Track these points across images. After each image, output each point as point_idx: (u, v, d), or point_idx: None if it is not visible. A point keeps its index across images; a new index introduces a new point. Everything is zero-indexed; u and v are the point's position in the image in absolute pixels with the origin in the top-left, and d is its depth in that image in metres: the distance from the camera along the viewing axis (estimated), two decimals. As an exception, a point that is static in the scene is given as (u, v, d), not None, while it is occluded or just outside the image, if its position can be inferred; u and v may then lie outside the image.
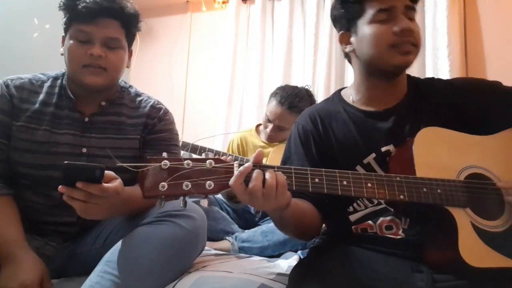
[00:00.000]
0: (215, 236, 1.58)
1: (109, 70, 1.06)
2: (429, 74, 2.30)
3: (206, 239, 1.05)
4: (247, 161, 0.76)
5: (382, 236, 0.91)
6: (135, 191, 0.96)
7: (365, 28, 0.92)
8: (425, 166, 0.83)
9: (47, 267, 0.98)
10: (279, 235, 1.52)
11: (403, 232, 0.89)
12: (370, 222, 0.93)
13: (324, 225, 1.02)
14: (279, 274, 1.06)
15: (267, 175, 0.72)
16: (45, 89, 1.12)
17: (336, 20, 1.02)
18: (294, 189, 0.75)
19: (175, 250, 0.92)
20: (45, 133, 1.06)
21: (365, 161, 0.94)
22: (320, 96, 2.46)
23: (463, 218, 0.80)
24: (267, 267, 1.13)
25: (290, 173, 0.75)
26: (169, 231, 0.91)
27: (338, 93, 1.08)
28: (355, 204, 0.95)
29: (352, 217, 0.95)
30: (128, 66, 1.15)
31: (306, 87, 2.03)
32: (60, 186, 0.78)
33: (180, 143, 1.40)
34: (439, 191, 0.80)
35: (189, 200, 1.58)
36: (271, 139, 1.94)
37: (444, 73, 2.25)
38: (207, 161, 0.70)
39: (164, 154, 0.70)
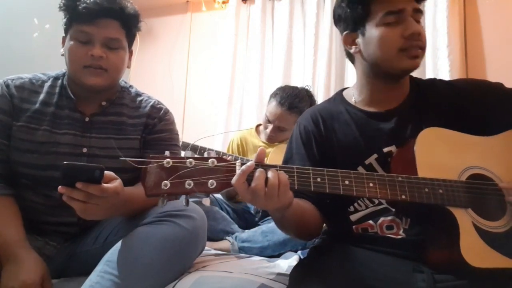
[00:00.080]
0: (215, 236, 1.58)
1: (109, 71, 1.06)
2: (429, 74, 2.30)
3: (206, 239, 1.05)
4: (247, 161, 0.76)
5: (382, 236, 0.91)
6: (135, 192, 0.96)
7: (372, 31, 0.92)
8: (427, 167, 0.83)
9: (48, 267, 0.98)
10: (279, 235, 1.53)
11: (404, 232, 0.89)
12: (371, 222, 0.93)
13: (324, 225, 1.02)
14: (279, 274, 1.06)
15: (270, 174, 0.72)
16: (45, 89, 1.12)
17: (340, 20, 1.00)
18: (296, 188, 0.75)
19: (175, 250, 0.92)
20: (45, 133, 1.06)
21: (366, 161, 0.94)
22: (320, 96, 2.46)
23: (464, 218, 0.80)
24: (267, 267, 1.13)
25: (292, 173, 0.75)
26: (169, 231, 0.91)
27: (340, 93, 1.08)
28: (356, 204, 0.95)
29: (353, 217, 0.95)
30: (128, 66, 1.15)
31: (306, 87, 2.03)
32: (59, 186, 0.78)
33: (180, 143, 1.40)
34: (440, 191, 0.80)
35: (190, 200, 1.58)
36: (271, 140, 1.94)
37: (444, 73, 2.25)
38: (210, 160, 0.71)
39: (167, 153, 0.70)
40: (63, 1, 1.04)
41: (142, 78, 3.03)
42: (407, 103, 0.97)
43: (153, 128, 1.16)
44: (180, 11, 3.22)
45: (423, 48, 0.91)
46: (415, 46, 0.89)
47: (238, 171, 0.70)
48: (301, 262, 1.04)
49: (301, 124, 1.04)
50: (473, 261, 0.75)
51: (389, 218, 0.91)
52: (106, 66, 1.05)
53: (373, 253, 0.89)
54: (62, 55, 1.09)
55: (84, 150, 1.08)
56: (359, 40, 0.96)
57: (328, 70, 2.55)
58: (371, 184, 0.78)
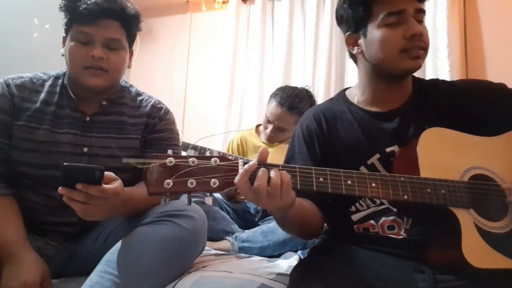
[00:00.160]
0: (215, 236, 1.58)
1: (110, 72, 1.06)
2: (429, 74, 2.30)
3: (206, 239, 1.05)
4: (248, 161, 0.76)
5: (384, 236, 0.91)
6: (135, 192, 0.97)
7: (374, 31, 0.92)
8: (429, 167, 0.83)
9: (48, 267, 0.98)
10: (279, 235, 1.53)
11: (405, 232, 0.89)
12: (372, 221, 0.93)
13: (325, 224, 1.02)
14: (279, 274, 1.06)
15: (272, 173, 0.72)
16: (46, 88, 1.12)
17: (342, 20, 1.00)
18: (298, 188, 0.75)
19: (175, 250, 0.92)
20: (46, 133, 1.06)
21: (369, 161, 0.94)
22: (320, 96, 2.46)
23: (466, 219, 0.80)
24: (267, 267, 1.13)
25: (294, 172, 0.75)
26: (169, 231, 0.91)
27: (342, 93, 1.08)
28: (357, 204, 0.95)
29: (354, 217, 0.95)
30: (129, 67, 1.15)
31: (306, 87, 2.03)
32: (60, 187, 0.78)
33: (180, 143, 1.40)
34: (443, 191, 0.80)
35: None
36: (271, 140, 1.94)
37: (444, 73, 2.25)
38: (212, 159, 0.71)
39: (169, 152, 0.70)
40: (63, 1, 1.04)
41: (142, 78, 3.03)
42: (409, 103, 0.97)
43: (154, 127, 1.16)
44: (180, 11, 3.22)
45: (425, 49, 0.91)
46: (416, 46, 0.89)
47: (240, 170, 0.71)
48: (301, 262, 1.04)
49: (303, 123, 1.03)
50: (475, 262, 0.75)
51: (391, 218, 0.91)
52: (106, 67, 1.05)
53: (374, 253, 0.89)
54: (63, 55, 1.09)
55: (85, 149, 1.08)
56: (361, 41, 0.96)
57: (328, 70, 2.55)
58: (373, 184, 0.78)
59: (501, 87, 0.98)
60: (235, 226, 1.70)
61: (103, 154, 1.09)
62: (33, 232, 1.05)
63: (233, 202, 1.94)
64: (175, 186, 0.68)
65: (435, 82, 1.04)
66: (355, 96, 1.02)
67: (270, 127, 1.89)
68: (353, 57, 1.03)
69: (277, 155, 1.80)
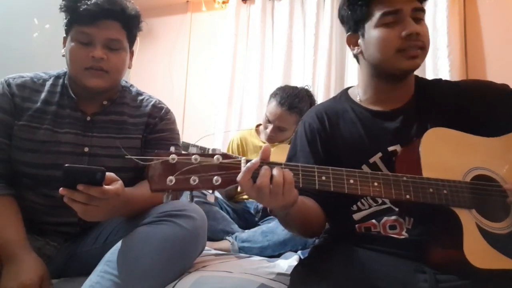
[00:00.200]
0: (215, 236, 1.58)
1: (110, 72, 1.06)
2: (429, 74, 2.30)
3: (206, 239, 1.05)
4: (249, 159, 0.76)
5: (385, 235, 0.91)
6: (136, 192, 0.97)
7: (371, 32, 0.92)
8: (431, 167, 0.83)
9: (48, 267, 0.98)
10: (279, 235, 1.53)
11: (407, 232, 0.89)
12: (374, 221, 0.93)
13: (326, 223, 1.02)
14: (279, 274, 1.06)
15: (275, 171, 0.72)
16: (47, 87, 1.12)
17: (343, 21, 1.02)
18: (301, 186, 0.75)
19: (175, 250, 0.92)
20: (47, 132, 1.06)
21: (371, 160, 0.94)
22: (320, 96, 2.46)
23: (468, 219, 0.80)
24: (267, 267, 1.13)
25: (297, 171, 0.75)
26: (169, 231, 0.91)
27: (345, 91, 1.08)
28: (359, 203, 0.95)
29: (356, 216, 0.95)
30: (129, 67, 1.15)
31: (306, 87, 2.03)
32: (61, 188, 0.78)
33: (180, 143, 1.40)
34: (445, 191, 0.80)
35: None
36: (271, 140, 1.94)
37: (444, 73, 2.25)
38: (215, 157, 0.71)
39: (172, 149, 0.70)
40: (63, 2, 1.04)
41: (142, 78, 3.02)
42: (412, 102, 0.97)
43: (154, 127, 1.16)
44: (180, 11, 3.22)
45: (423, 48, 0.91)
46: (413, 46, 0.89)
47: (243, 168, 0.71)
48: (302, 261, 1.04)
49: (306, 122, 1.04)
50: (476, 262, 0.75)
51: (393, 218, 0.91)
52: (107, 68, 1.05)
53: (375, 253, 0.89)
54: (63, 55, 1.09)
55: (86, 149, 1.08)
56: (361, 41, 0.97)
57: (328, 70, 2.55)
58: (375, 184, 0.78)
59: (504, 87, 0.98)
60: (235, 226, 1.70)
61: (104, 154, 1.09)
62: (33, 232, 1.05)
63: (233, 202, 1.94)
64: (178, 183, 0.68)
65: (438, 82, 1.04)
66: (357, 95, 1.03)
67: (270, 126, 1.89)
68: (355, 57, 1.03)
69: (277, 154, 1.80)
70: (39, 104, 1.08)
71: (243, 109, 2.80)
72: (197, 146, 0.73)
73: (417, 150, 0.84)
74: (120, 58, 1.08)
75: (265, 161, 0.74)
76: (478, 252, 0.77)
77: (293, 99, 1.83)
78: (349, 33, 1.00)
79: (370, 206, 0.94)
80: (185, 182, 0.69)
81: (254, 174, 0.71)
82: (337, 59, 2.60)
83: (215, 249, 1.45)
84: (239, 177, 0.71)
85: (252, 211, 1.89)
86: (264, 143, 1.96)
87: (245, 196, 1.95)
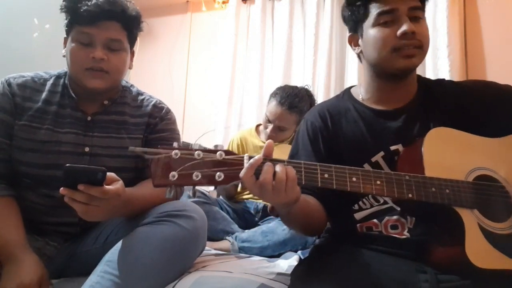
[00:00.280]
0: (215, 236, 1.58)
1: (111, 73, 1.06)
2: (429, 74, 2.31)
3: (206, 239, 1.05)
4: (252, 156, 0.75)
5: (386, 235, 0.91)
6: (136, 192, 0.97)
7: (369, 31, 0.93)
8: (434, 166, 0.83)
9: (48, 267, 0.98)
10: (279, 235, 1.53)
11: (408, 232, 0.89)
12: (375, 220, 0.93)
13: (327, 222, 1.02)
14: (279, 274, 1.06)
15: (278, 168, 0.72)
16: (47, 87, 1.11)
17: (345, 21, 1.03)
18: (303, 183, 0.75)
19: (175, 250, 0.91)
20: (48, 132, 1.06)
21: (373, 159, 0.94)
22: (320, 96, 2.46)
23: (470, 219, 0.80)
24: (267, 267, 1.13)
25: (299, 168, 0.75)
26: (169, 231, 0.91)
27: (348, 90, 1.08)
28: (360, 202, 0.95)
29: (357, 215, 0.95)
30: (130, 67, 1.15)
31: (306, 87, 2.03)
32: (61, 188, 0.78)
33: (180, 143, 1.40)
34: (447, 191, 0.80)
35: (189, 200, 1.58)
36: (271, 139, 1.94)
37: (444, 73, 2.25)
38: (218, 153, 0.71)
39: (175, 144, 0.70)
40: (64, 2, 1.04)
41: (142, 78, 3.02)
42: (414, 102, 0.97)
43: (155, 127, 1.16)
44: (180, 11, 3.22)
45: (419, 47, 0.90)
46: (409, 45, 0.89)
47: (246, 165, 0.71)
48: (303, 261, 1.04)
49: (308, 120, 1.04)
50: (478, 262, 0.75)
51: (394, 217, 0.91)
52: (107, 68, 1.05)
53: (376, 253, 0.89)
54: (64, 56, 1.09)
55: (86, 149, 1.08)
56: (360, 41, 0.97)
57: (328, 70, 2.55)
58: (378, 182, 0.78)
59: (507, 88, 0.98)
60: (235, 226, 1.70)
61: (105, 153, 1.09)
62: (33, 232, 1.05)
63: (233, 202, 1.94)
64: (180, 179, 0.68)
65: (441, 81, 1.05)
66: (360, 94, 1.03)
67: (270, 126, 1.89)
68: (358, 56, 1.04)
69: (277, 154, 1.79)
70: (40, 103, 1.08)
71: (243, 109, 2.80)
72: (198, 145, 0.73)
73: (420, 150, 0.84)
74: (120, 58, 1.08)
75: (268, 157, 0.74)
76: (480, 252, 0.77)
77: (293, 99, 1.83)
78: (350, 33, 1.01)
79: (371, 206, 0.94)
80: (188, 178, 0.69)
81: (257, 170, 0.71)
82: (337, 59, 2.60)
83: (215, 249, 1.45)
84: (241, 173, 0.70)
85: (252, 211, 1.89)
86: (264, 143, 1.96)
87: (245, 196, 1.95)
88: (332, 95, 2.47)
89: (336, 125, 1.00)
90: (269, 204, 1.84)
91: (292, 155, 1.02)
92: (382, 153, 0.94)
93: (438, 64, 2.30)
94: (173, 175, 0.68)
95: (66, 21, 1.06)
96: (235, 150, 2.05)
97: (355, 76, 2.44)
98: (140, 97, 1.20)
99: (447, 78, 2.17)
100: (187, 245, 0.94)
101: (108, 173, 0.82)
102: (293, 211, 0.83)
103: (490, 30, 2.31)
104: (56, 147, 1.06)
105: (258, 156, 0.72)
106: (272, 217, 1.79)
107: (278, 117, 1.84)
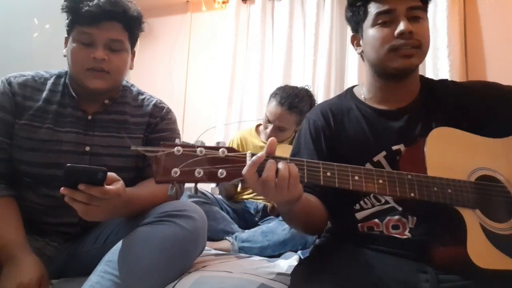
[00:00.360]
0: (215, 236, 1.58)
1: (112, 73, 1.06)
2: (429, 74, 2.30)
3: (206, 239, 1.05)
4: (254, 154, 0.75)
5: (388, 235, 0.91)
6: (136, 192, 0.97)
7: (368, 31, 0.94)
8: (436, 166, 0.83)
9: (48, 267, 0.98)
10: (279, 235, 1.53)
11: (410, 232, 0.89)
12: (376, 220, 0.93)
13: (328, 222, 1.02)
14: (279, 274, 1.06)
15: (280, 165, 0.72)
16: (48, 86, 1.11)
17: (347, 21, 1.03)
18: (305, 181, 0.75)
19: (175, 250, 0.92)
20: (48, 131, 1.06)
21: (375, 159, 0.94)
22: (320, 96, 2.46)
23: (472, 219, 0.80)
24: (267, 267, 1.13)
25: (302, 165, 0.75)
26: (169, 231, 0.91)
27: (350, 90, 1.08)
28: (361, 202, 0.95)
29: (359, 215, 0.95)
30: (131, 68, 1.16)
31: (306, 87, 2.03)
32: (62, 188, 0.78)
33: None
34: (449, 191, 0.80)
35: (189, 200, 1.58)
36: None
37: (444, 73, 2.25)
38: (220, 150, 0.71)
39: (177, 141, 0.70)
40: (65, 2, 1.04)
41: (142, 78, 3.02)
42: (417, 102, 0.98)
43: (155, 127, 1.16)
44: (180, 11, 3.22)
45: (418, 47, 0.90)
46: (406, 45, 0.89)
47: (248, 162, 0.71)
48: (303, 261, 1.04)
49: (310, 119, 1.04)
50: (479, 262, 0.75)
51: (396, 217, 0.91)
52: (108, 69, 1.05)
53: (377, 253, 0.89)
54: (65, 56, 1.09)
55: (87, 148, 1.08)
56: (361, 41, 0.98)
57: (328, 70, 2.55)
58: (380, 181, 0.78)
59: (510, 89, 0.98)
60: (235, 226, 1.70)
61: (105, 153, 1.09)
62: (33, 233, 1.05)
63: (233, 202, 1.94)
64: (182, 175, 0.68)
65: (444, 82, 1.05)
66: (362, 93, 1.03)
67: (270, 126, 1.89)
68: (361, 56, 1.04)
69: (277, 154, 1.80)
70: (40, 103, 1.08)
71: (243, 109, 2.80)
72: (201, 142, 0.73)
73: (422, 150, 0.84)
74: (121, 59, 1.08)
75: (270, 155, 0.73)
76: (481, 252, 0.77)
77: (293, 99, 1.83)
78: (352, 34, 1.02)
79: (373, 205, 0.94)
80: (190, 174, 0.68)
81: (260, 168, 0.71)
82: (337, 59, 2.60)
83: (215, 249, 1.45)
84: (244, 170, 0.70)
85: (252, 211, 1.89)
86: (264, 143, 1.96)
87: (245, 196, 1.95)
88: (332, 95, 2.47)
89: (338, 124, 1.00)
90: (269, 204, 1.85)
91: (294, 154, 1.02)
92: (384, 153, 0.94)
93: (438, 64, 2.30)
94: (175, 171, 0.68)
95: (67, 21, 1.06)
96: (235, 150, 2.04)
97: (355, 76, 2.44)
98: (141, 97, 1.20)
99: (447, 78, 2.17)
100: (187, 245, 0.94)
101: (108, 173, 0.82)
102: (294, 209, 0.83)
103: (490, 30, 2.31)
104: (56, 146, 1.06)
105: (261, 153, 0.72)
106: (272, 217, 1.79)
107: (278, 118, 1.84)
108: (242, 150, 2.10)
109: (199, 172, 0.69)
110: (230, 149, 0.72)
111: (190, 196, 1.64)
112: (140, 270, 0.87)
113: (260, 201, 1.91)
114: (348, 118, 1.00)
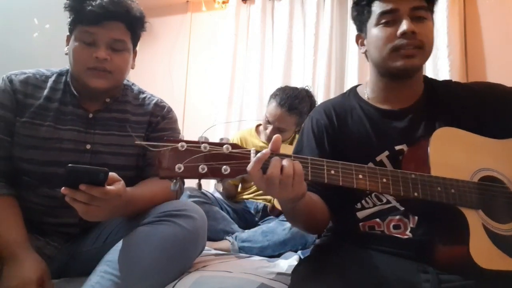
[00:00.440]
0: (215, 236, 1.59)
1: (114, 73, 1.06)
2: (429, 74, 2.29)
3: (206, 239, 1.05)
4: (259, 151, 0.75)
5: (389, 235, 0.91)
6: (137, 192, 0.97)
7: (372, 31, 0.94)
8: (440, 166, 0.83)
9: (48, 267, 0.98)
10: (279, 235, 1.53)
11: (411, 232, 0.89)
12: (378, 220, 0.93)
13: (329, 221, 1.02)
14: (279, 274, 1.06)
15: (285, 162, 0.72)
16: (49, 84, 1.11)
17: (353, 20, 1.04)
18: (309, 179, 0.75)
19: (175, 250, 0.92)
20: (49, 129, 1.06)
21: (377, 158, 0.94)
22: (320, 96, 2.46)
23: (475, 219, 0.80)
24: (267, 267, 1.13)
25: (306, 163, 0.75)
26: (169, 231, 0.91)
27: (354, 89, 1.08)
28: (363, 201, 0.95)
29: (360, 214, 0.95)
30: (132, 67, 1.16)
31: (306, 87, 2.03)
32: (63, 188, 0.78)
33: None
34: (453, 191, 0.80)
35: (189, 200, 1.58)
36: (271, 140, 1.94)
37: (444, 73, 2.25)
38: (224, 146, 0.70)
39: (181, 136, 0.70)
40: (68, 1, 1.04)
41: (142, 78, 2.99)
42: (420, 102, 0.98)
43: (156, 126, 1.16)
44: (180, 11, 3.22)
45: (420, 47, 0.90)
46: (408, 45, 0.89)
47: (253, 158, 0.70)
48: (304, 260, 1.04)
49: (313, 117, 1.04)
50: (482, 262, 0.75)
51: (397, 217, 0.91)
52: (110, 68, 1.05)
53: (378, 252, 0.89)
54: (66, 54, 1.09)
55: (88, 146, 1.08)
56: (365, 40, 0.98)
57: (328, 70, 2.55)
58: (384, 180, 0.78)
59: None
60: (235, 226, 1.70)
61: (106, 151, 1.09)
62: (34, 232, 1.05)
63: (233, 202, 1.94)
64: (186, 171, 0.68)
65: (448, 82, 1.05)
66: (365, 93, 1.03)
67: (270, 127, 1.89)
68: (365, 55, 1.04)
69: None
70: (41, 100, 1.08)
71: (243, 109, 2.80)
72: (204, 137, 0.73)
73: (426, 149, 0.84)
74: (123, 59, 1.08)
75: (274, 152, 0.73)
76: (483, 252, 0.77)
77: (293, 100, 1.83)
78: (357, 33, 1.02)
79: (374, 205, 0.94)
80: (194, 170, 0.68)
81: (264, 165, 0.71)
82: (337, 59, 2.60)
83: (215, 249, 1.45)
84: (249, 167, 0.70)
85: (252, 211, 1.89)
86: (264, 143, 1.96)
87: (245, 196, 1.95)
88: (332, 95, 2.47)
89: (341, 123, 1.00)
90: (269, 204, 1.85)
91: (297, 152, 1.02)
92: (386, 153, 0.94)
93: (438, 64, 2.30)
94: (179, 167, 0.67)
95: (69, 20, 1.06)
96: (235, 150, 2.04)
97: (355, 76, 2.44)
98: (142, 96, 1.20)
99: (447, 78, 2.17)
100: (187, 245, 0.94)
101: (109, 173, 0.82)
102: (298, 207, 0.83)
103: (490, 30, 2.31)
104: (57, 144, 1.06)
105: (266, 150, 0.72)
106: (272, 217, 1.79)
107: (278, 119, 1.84)
108: (242, 150, 2.11)
109: (203, 168, 0.68)
110: (234, 146, 0.71)
111: (190, 196, 1.64)
112: (140, 270, 0.87)
113: (260, 201, 1.91)
114: (351, 117, 1.00)
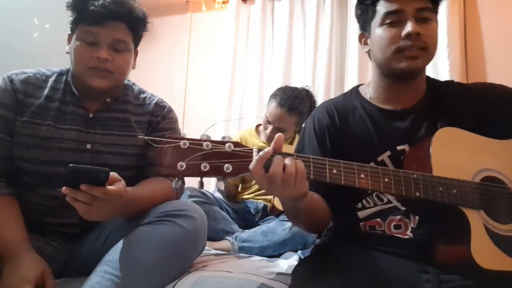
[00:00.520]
0: (215, 236, 1.59)
1: (115, 73, 1.06)
2: (429, 74, 2.24)
3: (206, 239, 1.05)
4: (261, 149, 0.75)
5: (389, 235, 0.91)
6: (137, 192, 0.97)
7: (376, 31, 0.94)
8: (441, 166, 0.83)
9: (49, 266, 0.98)
10: (279, 235, 1.53)
11: (411, 232, 0.89)
12: (379, 220, 0.93)
13: (330, 221, 1.02)
14: (279, 274, 1.06)
15: (287, 161, 0.71)
16: (49, 83, 1.11)
17: (356, 19, 1.04)
18: (311, 178, 0.74)
19: (175, 250, 0.92)
20: (50, 129, 1.06)
21: (379, 158, 0.94)
22: (320, 96, 2.46)
23: (476, 219, 0.80)
24: (267, 267, 1.13)
25: (308, 162, 0.75)
26: (169, 231, 0.91)
27: (356, 88, 1.08)
28: (364, 201, 0.95)
29: (361, 214, 0.95)
30: (133, 67, 1.16)
31: (306, 87, 2.03)
32: (63, 187, 0.78)
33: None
34: (454, 191, 0.80)
35: (189, 200, 1.58)
36: (271, 140, 1.91)
37: (444, 73, 2.25)
38: (226, 144, 0.70)
39: (184, 134, 0.70)
40: (70, 0, 1.04)
41: (142, 78, 2.99)
42: (422, 102, 0.98)
43: (157, 126, 1.16)
44: (180, 11, 3.22)
45: (424, 49, 0.90)
46: (412, 46, 0.89)
47: (255, 157, 0.70)
48: (304, 260, 1.04)
49: (315, 117, 1.04)
50: (483, 262, 0.75)
51: (398, 217, 0.91)
52: (111, 68, 1.05)
53: (378, 252, 0.89)
54: (67, 53, 1.09)
55: (88, 146, 1.08)
56: (368, 40, 0.98)
57: (328, 70, 2.55)
58: (386, 179, 0.78)
59: None
60: (235, 226, 1.70)
61: (107, 151, 1.09)
62: (34, 232, 1.05)
63: (233, 202, 1.94)
64: (188, 169, 0.68)
65: (450, 83, 1.05)
66: (368, 93, 1.03)
67: (270, 127, 1.89)
68: (368, 55, 1.04)
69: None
70: (41, 100, 1.08)
71: (243, 109, 2.80)
72: (206, 135, 0.73)
73: (427, 149, 0.84)
74: (125, 59, 1.08)
75: (277, 150, 0.73)
76: (485, 252, 0.77)
77: (293, 100, 1.83)
78: (360, 32, 1.02)
79: (375, 205, 0.94)
80: (196, 168, 0.68)
81: (266, 163, 0.71)
82: (337, 59, 2.60)
83: (215, 249, 1.45)
84: (251, 166, 0.70)
85: (252, 211, 1.89)
86: (264, 143, 1.96)
87: (245, 196, 1.95)
88: (332, 95, 2.47)
89: (343, 123, 1.00)
90: (269, 204, 1.85)
91: (298, 151, 1.02)
92: (388, 153, 0.94)
93: (438, 64, 2.30)
94: (181, 165, 0.67)
95: (71, 19, 1.06)
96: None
97: (355, 76, 2.44)
98: (142, 96, 1.20)
99: (447, 78, 2.17)
100: (187, 245, 0.94)
101: (110, 173, 0.82)
102: (299, 206, 0.83)
103: (490, 30, 2.31)
104: (58, 143, 1.06)
105: (268, 148, 0.71)
106: (272, 217, 1.79)
107: (278, 119, 1.84)
108: (242, 150, 2.11)
109: (205, 166, 0.68)
110: (236, 144, 0.71)
111: (190, 196, 1.64)
112: (140, 270, 0.87)
113: (260, 201, 1.91)
114: (353, 117, 1.00)
